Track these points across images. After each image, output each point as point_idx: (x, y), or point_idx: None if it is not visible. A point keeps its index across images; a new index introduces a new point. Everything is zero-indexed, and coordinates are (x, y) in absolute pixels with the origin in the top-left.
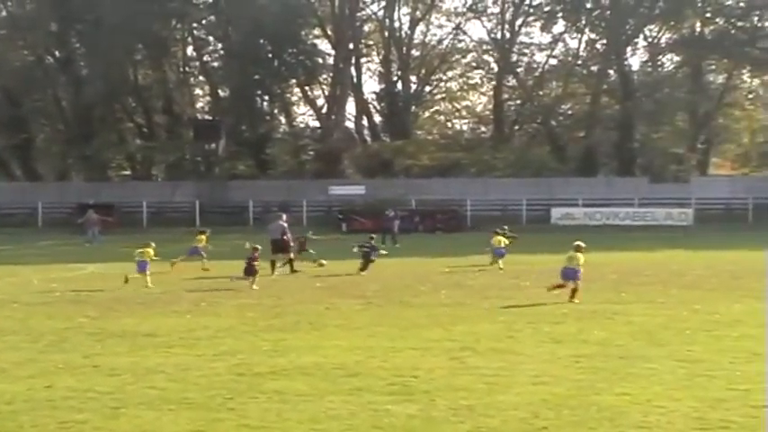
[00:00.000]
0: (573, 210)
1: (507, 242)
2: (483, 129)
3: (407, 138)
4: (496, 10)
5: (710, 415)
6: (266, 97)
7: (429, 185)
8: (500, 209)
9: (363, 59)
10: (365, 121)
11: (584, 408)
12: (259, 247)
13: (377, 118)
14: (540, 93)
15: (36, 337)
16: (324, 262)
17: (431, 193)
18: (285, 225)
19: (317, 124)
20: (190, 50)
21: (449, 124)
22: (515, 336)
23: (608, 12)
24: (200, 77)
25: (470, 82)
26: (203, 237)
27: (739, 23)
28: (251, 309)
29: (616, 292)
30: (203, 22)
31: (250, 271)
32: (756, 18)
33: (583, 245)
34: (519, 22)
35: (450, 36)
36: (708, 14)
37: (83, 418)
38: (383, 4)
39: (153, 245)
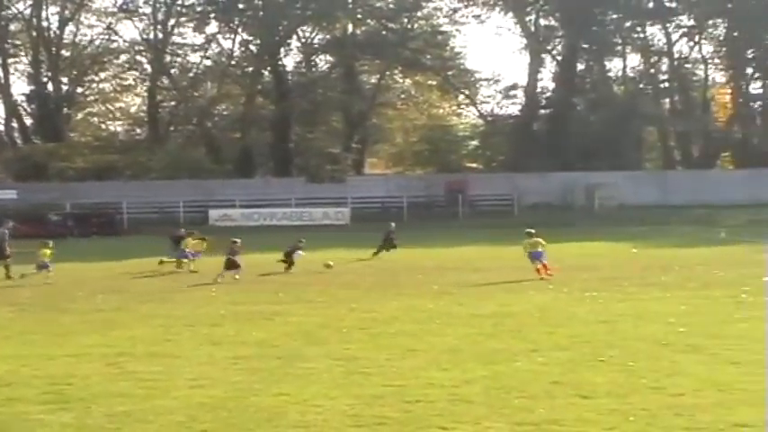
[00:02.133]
0: (230, 211)
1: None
2: (138, 130)
3: (61, 140)
4: (148, 10)
5: (366, 411)
6: None
7: (84, 189)
8: (157, 211)
9: (11, 60)
10: (15, 124)
11: (241, 409)
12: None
13: (27, 120)
14: (195, 94)
15: None
16: None
17: (86, 197)
18: (6, 232)
19: None
20: None
21: (103, 126)
22: (173, 339)
23: (261, 13)
24: None
25: (124, 83)
26: (47, 251)
27: (390, 25)
28: None
29: (274, 293)
30: None
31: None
32: (406, 20)
33: (533, 230)
34: (172, 22)
35: (102, 36)
36: (359, 16)
37: None
38: (30, 2)
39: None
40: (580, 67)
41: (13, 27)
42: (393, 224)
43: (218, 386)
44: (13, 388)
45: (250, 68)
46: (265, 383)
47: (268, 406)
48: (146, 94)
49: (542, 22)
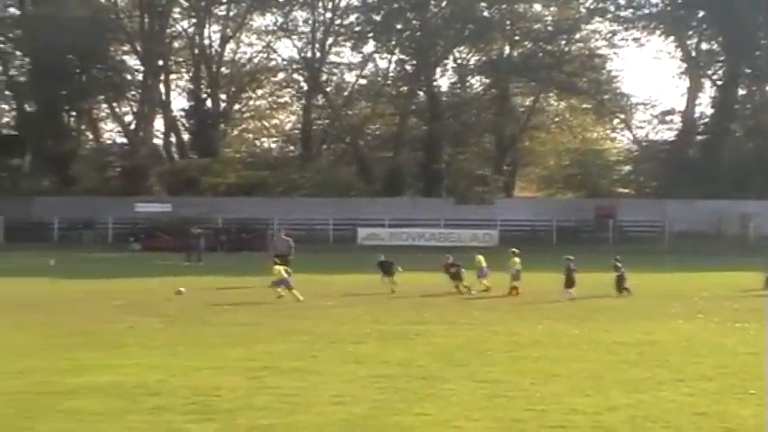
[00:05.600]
0: (378, 230)
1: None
2: (291, 147)
3: (215, 155)
4: (307, 29)
5: None
6: (73, 113)
7: (234, 204)
8: (306, 228)
9: (172, 76)
10: (173, 139)
11: (383, 428)
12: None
13: (185, 135)
14: (349, 112)
15: None
16: None
17: (236, 212)
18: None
19: (124, 141)
20: None
21: (257, 143)
22: (317, 355)
23: (418, 33)
24: (6, 92)
25: (279, 101)
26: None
27: (547, 47)
28: (51, 326)
29: (418, 313)
30: (10, 35)
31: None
32: (564, 42)
33: (517, 250)
34: (329, 41)
35: (261, 54)
36: (516, 38)
37: None
38: (193, 21)
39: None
40: (741, 92)
41: (176, 44)
42: (572, 257)
43: (360, 404)
44: (161, 397)
45: (405, 88)
46: (407, 403)
47: (409, 425)
48: (300, 111)
49: (704, 46)
